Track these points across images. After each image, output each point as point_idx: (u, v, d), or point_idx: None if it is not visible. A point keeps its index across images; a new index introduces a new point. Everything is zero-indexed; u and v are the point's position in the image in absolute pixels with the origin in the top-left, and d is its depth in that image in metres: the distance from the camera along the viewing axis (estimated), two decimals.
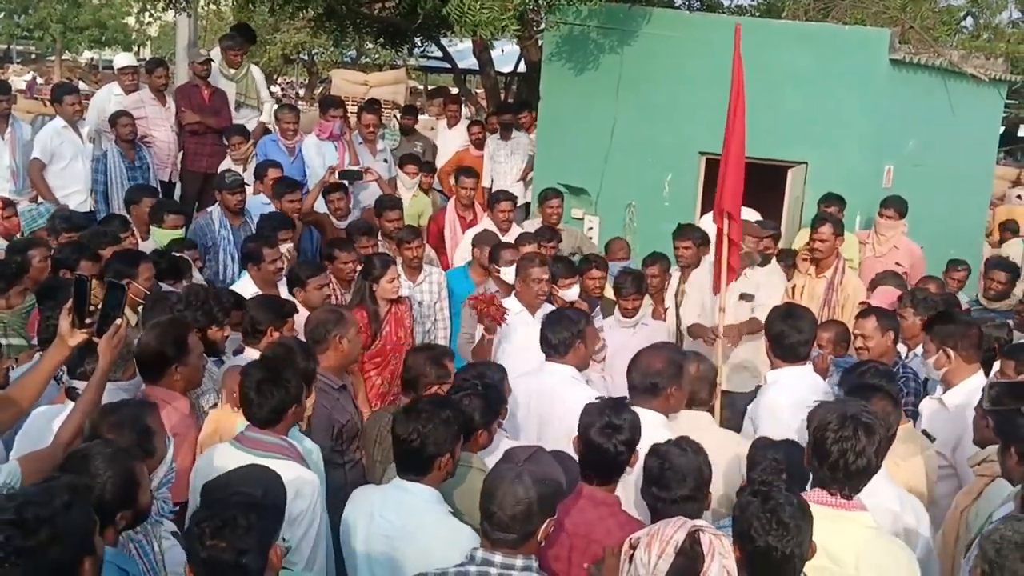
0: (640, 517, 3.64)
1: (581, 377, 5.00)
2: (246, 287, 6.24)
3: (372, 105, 10.40)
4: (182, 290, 5.61)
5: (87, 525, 2.55)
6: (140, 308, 5.32)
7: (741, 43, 6.50)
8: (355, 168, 8.87)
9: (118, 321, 3.60)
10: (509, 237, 7.81)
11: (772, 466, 3.76)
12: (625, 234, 9.06)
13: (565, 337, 4.94)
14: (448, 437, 3.51)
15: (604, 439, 3.60)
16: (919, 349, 5.68)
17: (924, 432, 4.85)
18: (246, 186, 8.16)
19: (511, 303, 6.17)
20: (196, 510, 3.00)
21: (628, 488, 3.85)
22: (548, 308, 6.10)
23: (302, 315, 5.69)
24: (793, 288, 7.41)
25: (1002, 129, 13.56)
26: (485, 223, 8.23)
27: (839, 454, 3.30)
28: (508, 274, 6.70)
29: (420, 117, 13.19)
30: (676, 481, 3.41)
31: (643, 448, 3.67)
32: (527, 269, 6.13)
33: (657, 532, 2.96)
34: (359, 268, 6.60)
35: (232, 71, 9.98)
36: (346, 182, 8.63)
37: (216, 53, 10.24)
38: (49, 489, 2.56)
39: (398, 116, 13.71)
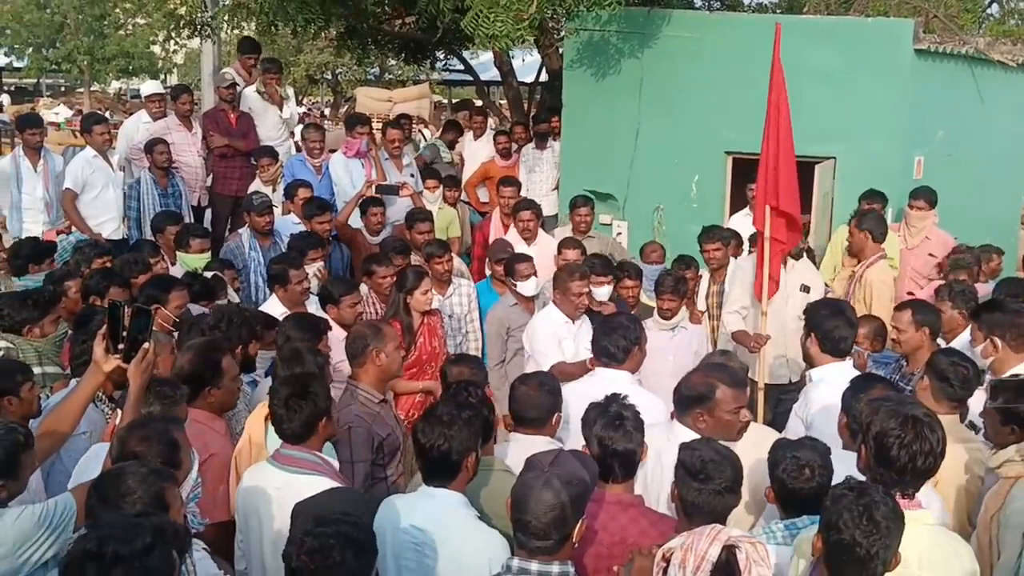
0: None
1: (635, 380, 5.02)
2: (273, 308, 6.27)
3: (398, 120, 10.44)
4: (212, 312, 5.65)
5: (165, 570, 2.53)
6: (174, 334, 5.36)
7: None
8: (393, 184, 8.94)
9: (146, 346, 3.63)
10: (535, 246, 7.82)
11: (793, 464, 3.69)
12: (654, 237, 9.03)
13: (623, 345, 4.98)
14: (471, 437, 3.53)
15: (614, 430, 3.64)
16: (956, 342, 5.61)
17: (971, 424, 4.79)
18: (275, 207, 8.22)
19: (553, 312, 6.14)
20: (310, 520, 2.98)
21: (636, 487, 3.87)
22: (586, 318, 6.14)
23: (335, 332, 5.72)
24: (833, 280, 7.33)
25: None
26: (512, 234, 8.24)
27: (908, 458, 3.24)
28: (524, 287, 6.73)
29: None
30: (718, 472, 3.36)
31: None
32: (566, 283, 6.11)
33: (691, 546, 2.90)
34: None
35: (276, 97, 10.07)
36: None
37: (233, 71, 10.30)
38: (134, 527, 2.55)
39: (422, 130, 13.77)
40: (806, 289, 6.66)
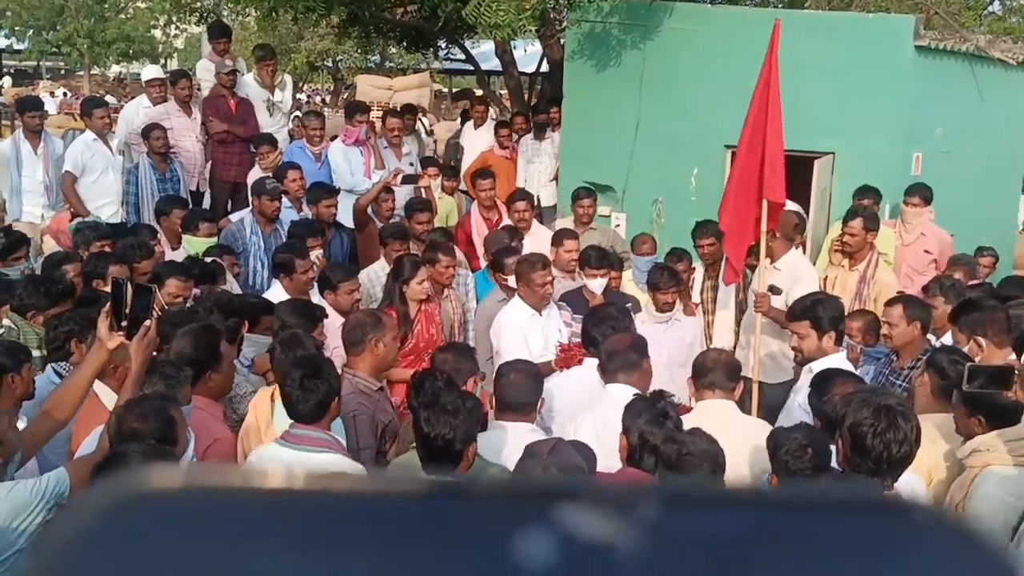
0: None
1: None
2: (278, 296, 6.26)
3: (401, 112, 10.45)
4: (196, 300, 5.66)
5: None
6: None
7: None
8: (414, 173, 8.99)
9: (147, 323, 3.66)
10: (529, 236, 7.84)
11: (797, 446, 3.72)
12: (652, 230, 9.06)
13: (611, 335, 5.00)
14: (474, 426, 3.59)
15: (658, 427, 3.65)
16: (946, 338, 5.64)
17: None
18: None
19: (518, 307, 6.16)
20: None
21: None
22: (554, 307, 6.24)
23: (331, 319, 5.74)
24: (825, 280, 7.36)
25: None
26: (507, 223, 8.26)
27: (883, 447, 3.27)
28: (513, 281, 6.75)
29: (442, 122, 13.25)
30: (693, 466, 3.42)
31: None
32: (529, 275, 6.11)
33: None
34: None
35: (269, 83, 10.09)
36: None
37: (240, 63, 10.32)
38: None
39: (422, 119, 13.79)
40: (774, 291, 6.53)
